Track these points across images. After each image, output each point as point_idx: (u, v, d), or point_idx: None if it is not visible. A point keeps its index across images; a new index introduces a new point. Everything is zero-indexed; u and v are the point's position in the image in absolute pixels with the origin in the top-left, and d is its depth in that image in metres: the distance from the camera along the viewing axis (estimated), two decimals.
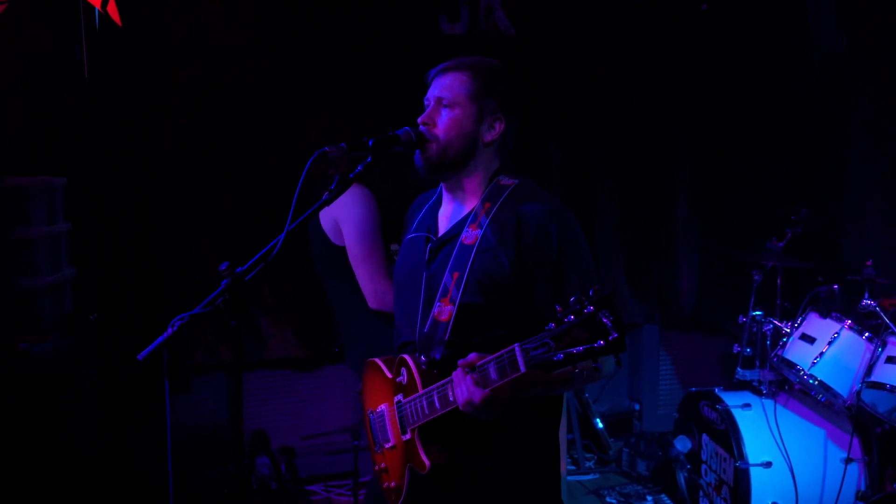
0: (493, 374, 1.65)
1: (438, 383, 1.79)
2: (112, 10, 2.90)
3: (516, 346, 1.57)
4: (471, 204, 1.95)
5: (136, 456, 3.20)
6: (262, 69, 3.93)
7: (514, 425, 1.87)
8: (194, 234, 3.93)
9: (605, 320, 1.45)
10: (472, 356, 1.70)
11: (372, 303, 2.79)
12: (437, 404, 1.79)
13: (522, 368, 1.56)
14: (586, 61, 4.36)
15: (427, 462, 1.83)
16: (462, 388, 1.70)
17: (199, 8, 3.80)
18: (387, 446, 1.99)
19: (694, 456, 3.75)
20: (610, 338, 1.45)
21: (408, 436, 1.89)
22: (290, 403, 4.28)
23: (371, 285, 2.77)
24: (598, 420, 4.52)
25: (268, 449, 3.70)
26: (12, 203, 3.21)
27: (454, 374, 1.75)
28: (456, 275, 1.86)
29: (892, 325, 3.11)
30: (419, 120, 1.93)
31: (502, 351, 1.61)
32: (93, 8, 3.04)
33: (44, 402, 2.97)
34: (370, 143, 1.85)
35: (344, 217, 2.77)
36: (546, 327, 1.52)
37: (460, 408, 1.71)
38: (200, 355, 3.92)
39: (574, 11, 4.27)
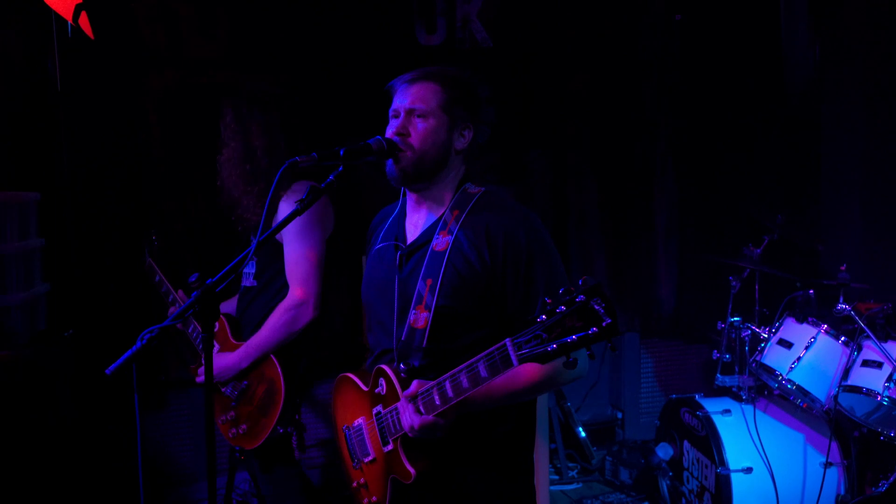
0: (437, 401, 1.73)
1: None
2: (84, 22, 2.88)
3: (507, 342, 1.59)
4: (439, 211, 1.96)
5: (110, 474, 3.15)
6: (239, 81, 3.91)
7: (491, 432, 1.89)
8: (176, 247, 3.88)
9: (597, 307, 1.46)
10: (413, 386, 1.78)
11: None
12: None
13: (515, 363, 1.58)
14: (567, 70, 4.38)
15: (412, 471, 1.82)
16: (405, 416, 1.79)
17: (175, 18, 3.78)
18: (366, 460, 1.98)
19: (676, 463, 3.75)
20: (603, 324, 1.45)
21: (390, 447, 1.88)
22: None
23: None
24: (580, 429, 4.52)
25: (248, 464, 3.66)
26: None
27: (398, 403, 1.82)
28: (429, 281, 1.87)
29: (866, 329, 3.14)
30: (393, 131, 1.93)
31: (492, 348, 1.63)
32: (65, 20, 3.01)
33: (15, 420, 2.92)
34: (341, 152, 1.85)
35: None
36: (538, 319, 1.52)
37: (406, 433, 1.80)
38: (175, 370, 3.88)
39: (553, 21, 4.30)
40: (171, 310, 3.05)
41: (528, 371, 1.80)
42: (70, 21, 2.85)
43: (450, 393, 1.71)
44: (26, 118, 3.60)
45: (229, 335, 2.83)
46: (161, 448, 3.98)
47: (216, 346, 2.82)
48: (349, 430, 2.04)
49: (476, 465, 1.90)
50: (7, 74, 3.49)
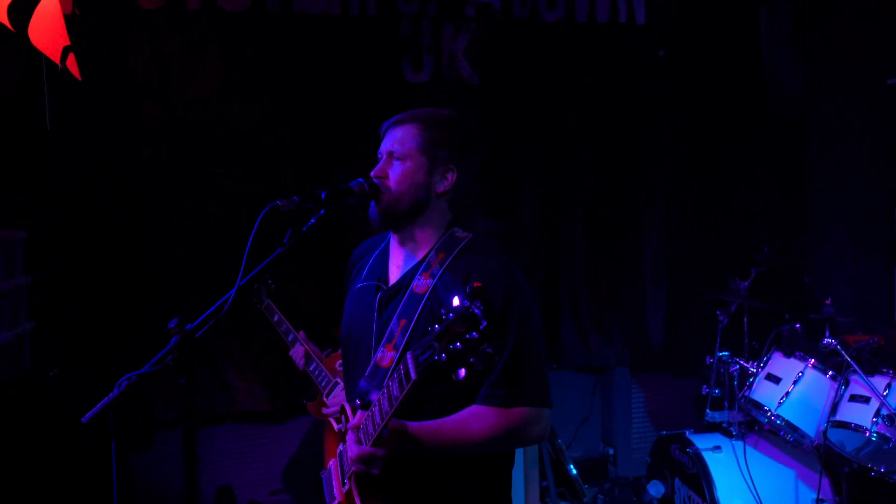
0: (370, 429, 1.72)
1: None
2: (71, 64, 2.90)
3: (408, 354, 1.58)
4: (422, 252, 1.94)
5: None
6: (230, 116, 3.94)
7: (454, 479, 1.84)
8: (161, 287, 3.86)
9: (476, 311, 1.47)
10: (357, 417, 1.78)
11: None
12: None
13: (413, 375, 1.56)
14: (553, 105, 4.43)
15: None
16: (349, 448, 1.78)
17: (166, 56, 3.82)
18: None
19: (667, 501, 3.72)
20: (481, 327, 1.46)
21: (346, 486, 1.85)
22: (258, 457, 4.18)
23: None
24: (571, 466, 4.47)
25: None
26: None
27: (347, 435, 1.81)
28: (403, 322, 1.85)
29: (853, 363, 3.13)
30: (372, 173, 1.93)
31: (400, 363, 1.62)
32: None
33: None
34: (322, 195, 1.85)
35: None
36: (428, 329, 1.53)
37: (352, 467, 1.78)
38: (161, 410, 3.84)
39: (539, 59, 4.35)
40: (292, 351, 3.03)
41: (480, 420, 1.76)
42: (58, 63, 2.87)
43: (377, 418, 1.69)
44: (15, 157, 3.61)
45: None
46: (151, 486, 3.92)
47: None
48: (324, 474, 2.01)
49: None
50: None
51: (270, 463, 4.20)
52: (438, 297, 1.84)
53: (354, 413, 1.84)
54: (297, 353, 2.96)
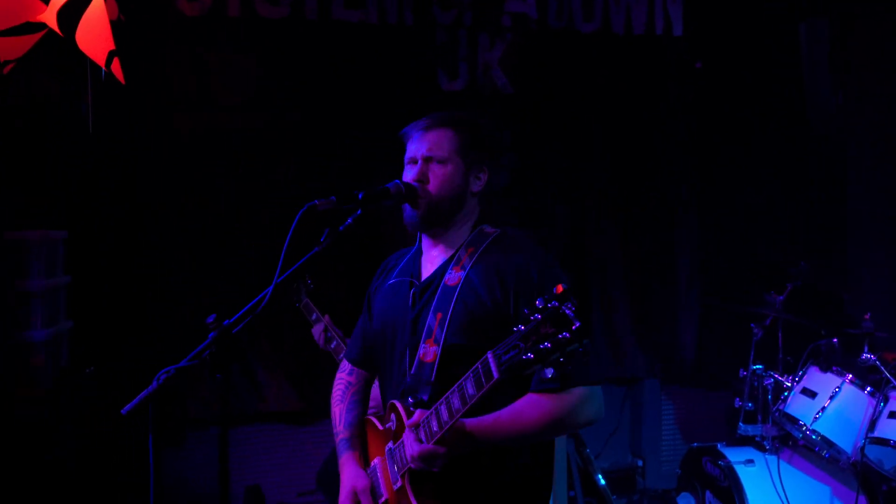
0: (434, 426, 1.73)
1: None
2: (116, 68, 2.97)
3: (489, 353, 1.60)
4: (454, 248, 1.98)
5: None
6: (265, 124, 4.00)
7: (502, 470, 1.86)
8: (196, 286, 3.92)
9: (567, 312, 1.48)
10: (416, 415, 1.78)
11: None
12: None
13: (496, 374, 1.58)
14: (587, 117, 4.42)
15: None
16: (408, 446, 1.78)
17: (203, 65, 3.89)
18: (380, 502, 1.96)
19: None
20: (573, 327, 1.47)
21: (398, 483, 1.87)
22: (287, 458, 4.22)
23: None
24: (599, 476, 4.42)
25: None
26: (12, 256, 3.25)
27: (404, 434, 1.81)
28: (439, 315, 1.88)
29: (892, 379, 3.08)
30: (412, 177, 1.96)
31: (477, 363, 1.63)
32: (99, 66, 3.12)
33: (34, 454, 2.95)
34: (360, 196, 1.89)
35: None
36: (514, 329, 1.54)
37: (411, 465, 1.78)
38: (193, 408, 3.88)
39: (572, 70, 4.35)
40: (313, 329, 3.09)
41: (535, 407, 1.78)
42: (103, 67, 2.95)
43: (444, 416, 1.71)
44: (58, 158, 3.71)
45: None
46: (181, 485, 3.97)
47: None
48: (369, 472, 2.03)
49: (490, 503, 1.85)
50: (40, 114, 3.61)
51: (300, 465, 4.23)
52: (472, 288, 1.87)
53: (408, 412, 1.85)
54: (318, 330, 2.99)
